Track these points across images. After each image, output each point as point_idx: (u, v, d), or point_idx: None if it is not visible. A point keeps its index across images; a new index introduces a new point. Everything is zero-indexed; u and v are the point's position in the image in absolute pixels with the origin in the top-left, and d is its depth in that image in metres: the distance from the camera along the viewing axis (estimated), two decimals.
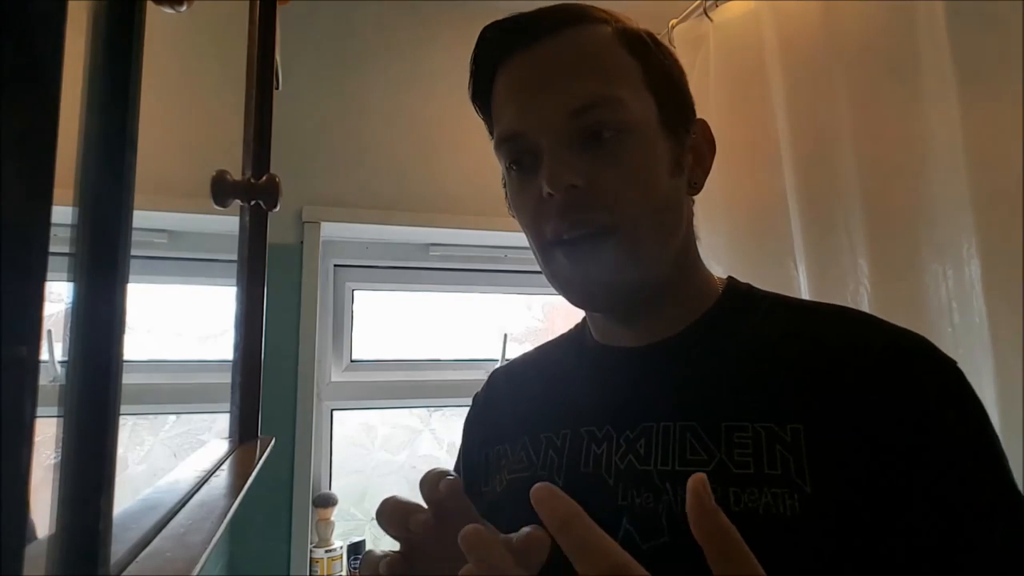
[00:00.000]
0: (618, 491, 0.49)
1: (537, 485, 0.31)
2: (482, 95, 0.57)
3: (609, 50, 0.51)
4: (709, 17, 1.54)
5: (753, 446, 0.45)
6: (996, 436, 0.45)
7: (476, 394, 0.71)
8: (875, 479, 0.42)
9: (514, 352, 1.90)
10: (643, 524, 0.46)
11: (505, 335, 1.93)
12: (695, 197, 0.57)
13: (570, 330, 0.67)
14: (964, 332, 1.04)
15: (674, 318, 0.55)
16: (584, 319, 0.64)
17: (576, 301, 0.55)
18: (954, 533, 0.41)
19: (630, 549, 0.46)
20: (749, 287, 0.59)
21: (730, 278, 0.59)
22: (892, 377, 0.45)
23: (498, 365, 0.76)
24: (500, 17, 0.54)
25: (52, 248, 0.18)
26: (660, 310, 0.55)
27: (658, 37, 0.56)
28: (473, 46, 0.55)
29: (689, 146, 0.55)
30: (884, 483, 0.42)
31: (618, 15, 0.55)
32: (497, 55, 0.54)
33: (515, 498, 0.52)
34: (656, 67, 0.53)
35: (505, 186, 0.58)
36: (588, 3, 0.54)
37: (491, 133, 0.58)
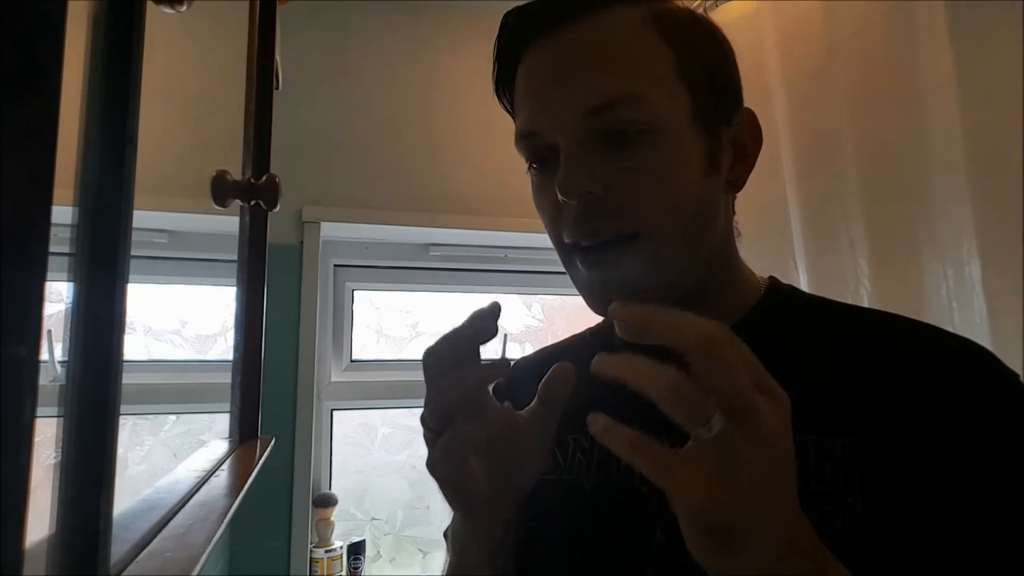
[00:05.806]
0: (652, 501, 0.46)
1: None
2: (505, 86, 0.52)
3: (637, 38, 0.46)
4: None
5: (799, 461, 0.40)
6: None
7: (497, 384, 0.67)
8: (930, 497, 0.39)
9: (514, 352, 1.89)
10: (678, 538, 0.43)
11: (505, 335, 1.91)
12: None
13: (597, 325, 0.62)
14: (964, 332, 1.03)
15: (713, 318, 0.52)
16: None
17: (594, 307, 0.52)
18: (1004, 554, 0.39)
19: (664, 562, 0.44)
20: (793, 289, 0.55)
21: (772, 278, 0.55)
22: (951, 391, 0.42)
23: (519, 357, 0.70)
24: (499, 17, 0.51)
25: (52, 248, 0.18)
26: (697, 311, 0.51)
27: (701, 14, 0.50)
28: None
29: (729, 140, 0.50)
30: (940, 502, 0.39)
31: None
32: (519, 42, 0.49)
33: (541, 500, 0.49)
34: (693, 54, 0.48)
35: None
36: None
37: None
